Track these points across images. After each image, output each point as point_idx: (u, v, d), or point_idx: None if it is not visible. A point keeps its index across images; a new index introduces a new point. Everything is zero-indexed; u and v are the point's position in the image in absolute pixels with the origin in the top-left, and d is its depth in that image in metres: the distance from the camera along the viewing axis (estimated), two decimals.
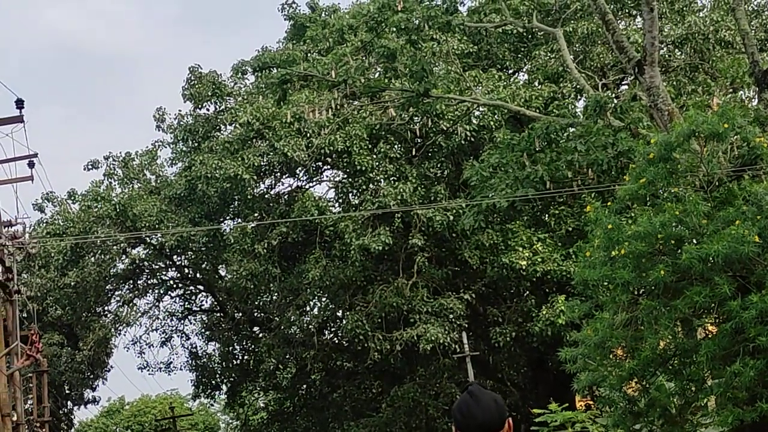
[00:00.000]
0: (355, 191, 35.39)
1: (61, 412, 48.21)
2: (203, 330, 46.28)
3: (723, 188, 17.25)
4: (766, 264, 15.50)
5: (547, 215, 32.41)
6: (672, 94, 27.42)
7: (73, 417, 51.29)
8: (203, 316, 47.09)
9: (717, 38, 32.43)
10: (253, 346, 44.10)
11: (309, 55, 35.93)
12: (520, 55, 36.65)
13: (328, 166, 37.38)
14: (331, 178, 37.99)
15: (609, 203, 18.34)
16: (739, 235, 15.14)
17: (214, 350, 46.03)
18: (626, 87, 33.32)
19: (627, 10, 34.10)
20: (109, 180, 42.05)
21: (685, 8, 34.38)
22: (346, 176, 36.03)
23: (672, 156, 17.04)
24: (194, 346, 46.61)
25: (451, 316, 33.45)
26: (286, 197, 37.60)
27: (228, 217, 40.21)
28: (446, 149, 33.96)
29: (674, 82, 32.33)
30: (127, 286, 44.09)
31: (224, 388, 46.31)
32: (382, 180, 33.92)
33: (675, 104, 24.50)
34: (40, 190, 51.79)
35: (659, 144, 17.19)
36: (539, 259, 31.04)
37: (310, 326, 38.29)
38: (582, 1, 30.09)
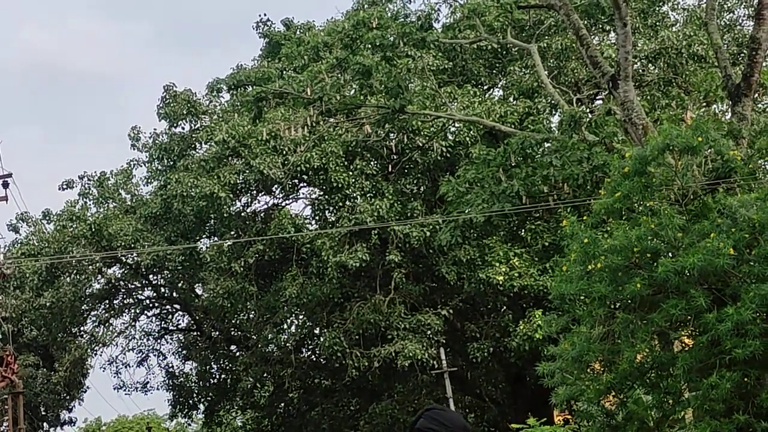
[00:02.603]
0: (331, 208, 35.35)
1: None
2: (180, 349, 46.03)
3: (698, 201, 17.36)
4: (741, 276, 15.58)
5: (523, 230, 32.48)
6: (646, 109, 27.57)
7: None
8: (180, 335, 46.84)
9: (690, 53, 32.64)
10: (230, 365, 43.90)
11: (284, 72, 35.90)
12: (494, 71, 36.76)
13: (305, 184, 37.32)
14: (308, 196, 37.96)
15: (585, 217, 18.41)
16: (714, 247, 15.22)
17: (191, 369, 45.80)
18: (601, 102, 33.48)
19: (600, 26, 34.26)
20: (84, 200, 41.83)
21: (658, 23, 34.58)
22: (322, 193, 36.00)
23: (647, 170, 17.13)
24: (171, 365, 46.37)
25: (428, 332, 33.41)
26: (262, 215, 37.51)
27: (204, 236, 40.01)
28: (422, 165, 34.00)
29: (648, 97, 32.50)
30: (102, 306, 43.79)
31: (201, 407, 46.06)
32: (358, 197, 33.89)
33: (649, 118, 24.62)
34: (15, 211, 51.52)
35: (634, 158, 17.27)
36: (516, 274, 31.07)
37: (288, 344, 38.16)
38: (556, 17, 30.23)
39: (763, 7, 23.27)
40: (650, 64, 34.03)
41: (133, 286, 43.93)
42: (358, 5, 35.89)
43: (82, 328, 44.60)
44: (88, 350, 44.36)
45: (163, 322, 46.78)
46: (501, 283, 31.06)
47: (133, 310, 45.10)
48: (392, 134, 33.01)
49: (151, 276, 43.19)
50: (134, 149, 40.81)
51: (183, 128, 39.06)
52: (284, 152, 33.98)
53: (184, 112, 38.36)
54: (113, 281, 42.32)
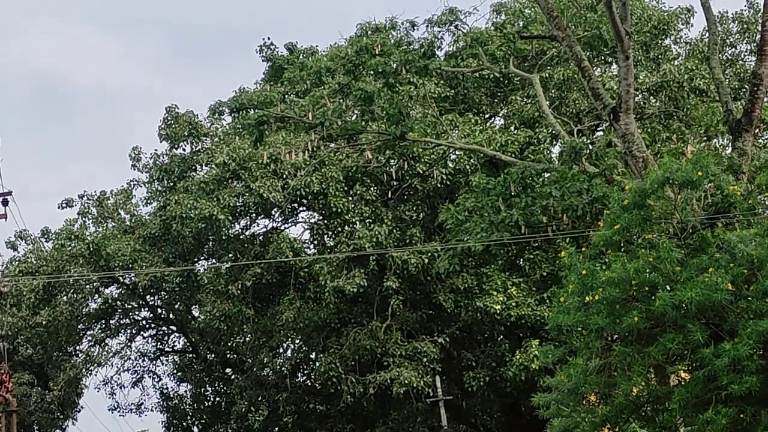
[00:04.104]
0: (330, 233, 35.33)
1: None
2: (175, 371, 45.90)
3: (697, 236, 17.35)
4: (739, 312, 15.56)
5: (521, 260, 32.45)
6: (647, 141, 27.62)
7: None
8: (175, 356, 46.72)
9: (691, 86, 32.74)
10: (225, 388, 43.76)
11: (286, 96, 35.94)
12: (496, 100, 36.84)
13: (304, 208, 37.34)
14: (307, 220, 37.94)
15: (583, 249, 18.39)
16: (712, 282, 15.23)
17: (185, 391, 45.66)
18: (601, 133, 33.52)
19: (603, 58, 34.39)
20: (83, 219, 41.81)
21: (660, 56, 34.70)
22: (321, 218, 35.99)
23: (646, 203, 17.14)
24: (166, 387, 46.25)
25: (424, 359, 33.34)
26: (261, 238, 37.47)
27: (202, 258, 39.98)
28: (422, 192, 34.01)
29: (649, 129, 32.56)
30: (99, 326, 43.69)
31: (195, 430, 45.85)
32: (357, 222, 33.89)
33: (649, 151, 24.65)
34: (14, 228, 51.47)
35: (634, 191, 17.29)
36: (513, 304, 31.03)
37: (283, 368, 38.04)
38: (558, 48, 30.33)
39: (765, 43, 23.35)
40: (651, 97, 34.11)
41: (129, 307, 43.84)
42: (361, 31, 35.99)
43: (77, 348, 44.52)
44: (83, 370, 44.24)
45: (158, 344, 46.69)
46: (498, 312, 31.02)
47: (129, 331, 45.02)
48: (393, 161, 33.06)
49: (148, 297, 43.12)
50: (135, 169, 40.89)
51: (184, 150, 39.11)
52: (284, 176, 34.00)
53: (186, 134, 38.40)
54: (110, 301, 42.24)
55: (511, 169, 26.19)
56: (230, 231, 36.20)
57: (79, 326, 42.37)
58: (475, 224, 25.49)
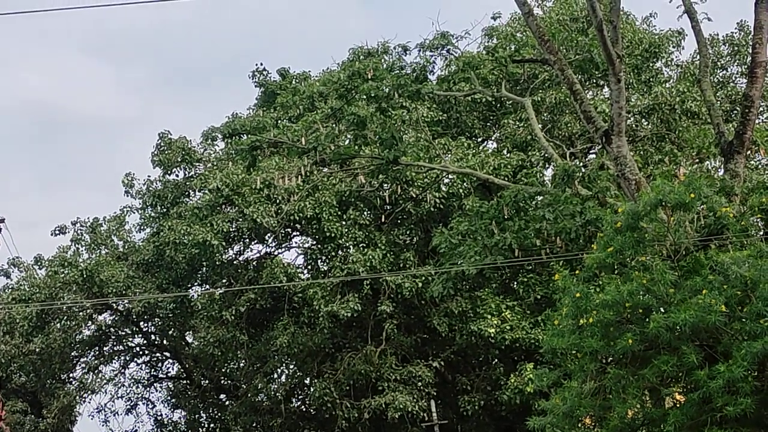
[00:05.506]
0: (324, 258, 35.31)
1: None
2: (169, 397, 45.72)
3: (690, 258, 17.37)
4: (733, 333, 15.57)
5: (515, 283, 32.45)
6: (639, 164, 27.66)
7: None
8: (169, 383, 46.56)
9: (683, 109, 32.84)
10: (219, 414, 43.58)
11: (279, 121, 36.03)
12: (489, 124, 36.93)
13: (298, 233, 37.32)
14: (300, 245, 37.93)
15: (577, 272, 18.39)
16: (706, 304, 15.25)
17: (180, 418, 45.45)
18: (594, 156, 33.59)
19: (594, 81, 34.48)
20: (77, 246, 41.74)
21: (651, 79, 34.83)
22: (315, 243, 35.98)
23: (639, 225, 17.17)
24: (160, 413, 46.04)
25: (419, 383, 33.28)
26: (254, 263, 37.44)
27: (196, 284, 39.91)
28: (415, 216, 34.03)
29: (641, 152, 32.63)
30: (92, 353, 43.57)
31: None
32: (351, 246, 33.88)
33: (642, 174, 24.67)
34: (6, 256, 51.29)
35: (627, 213, 17.31)
36: (508, 327, 31.02)
37: (278, 394, 37.92)
38: (550, 72, 30.41)
39: (756, 65, 23.44)
40: (644, 120, 34.21)
41: (123, 333, 43.73)
42: (353, 56, 36.08)
43: (71, 375, 44.35)
44: (77, 397, 44.05)
45: (152, 370, 46.52)
46: (492, 335, 31.00)
47: (122, 357, 44.89)
48: (386, 185, 33.09)
49: (141, 323, 43.02)
50: (128, 196, 40.86)
51: (177, 176, 39.12)
52: (278, 201, 34.01)
53: (179, 160, 38.42)
54: (103, 328, 42.15)
55: (504, 193, 26.21)
56: (224, 256, 36.17)
57: (72, 353, 42.26)
58: (469, 248, 25.49)
